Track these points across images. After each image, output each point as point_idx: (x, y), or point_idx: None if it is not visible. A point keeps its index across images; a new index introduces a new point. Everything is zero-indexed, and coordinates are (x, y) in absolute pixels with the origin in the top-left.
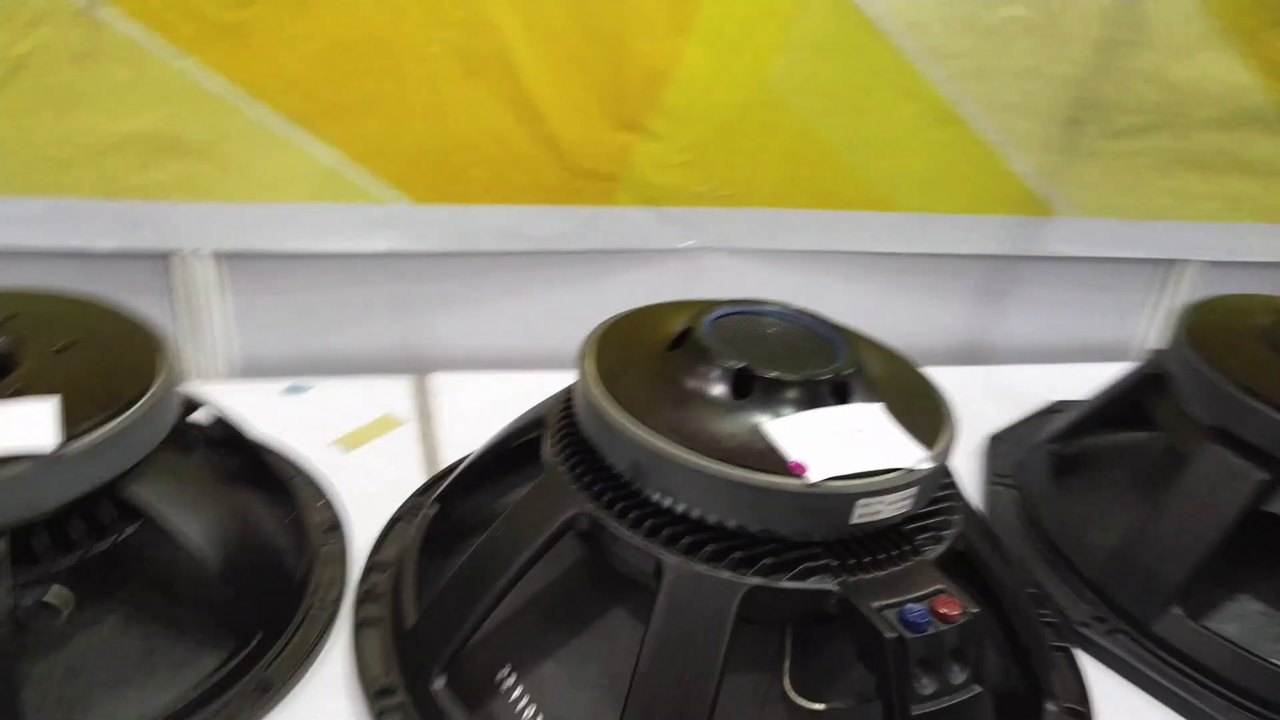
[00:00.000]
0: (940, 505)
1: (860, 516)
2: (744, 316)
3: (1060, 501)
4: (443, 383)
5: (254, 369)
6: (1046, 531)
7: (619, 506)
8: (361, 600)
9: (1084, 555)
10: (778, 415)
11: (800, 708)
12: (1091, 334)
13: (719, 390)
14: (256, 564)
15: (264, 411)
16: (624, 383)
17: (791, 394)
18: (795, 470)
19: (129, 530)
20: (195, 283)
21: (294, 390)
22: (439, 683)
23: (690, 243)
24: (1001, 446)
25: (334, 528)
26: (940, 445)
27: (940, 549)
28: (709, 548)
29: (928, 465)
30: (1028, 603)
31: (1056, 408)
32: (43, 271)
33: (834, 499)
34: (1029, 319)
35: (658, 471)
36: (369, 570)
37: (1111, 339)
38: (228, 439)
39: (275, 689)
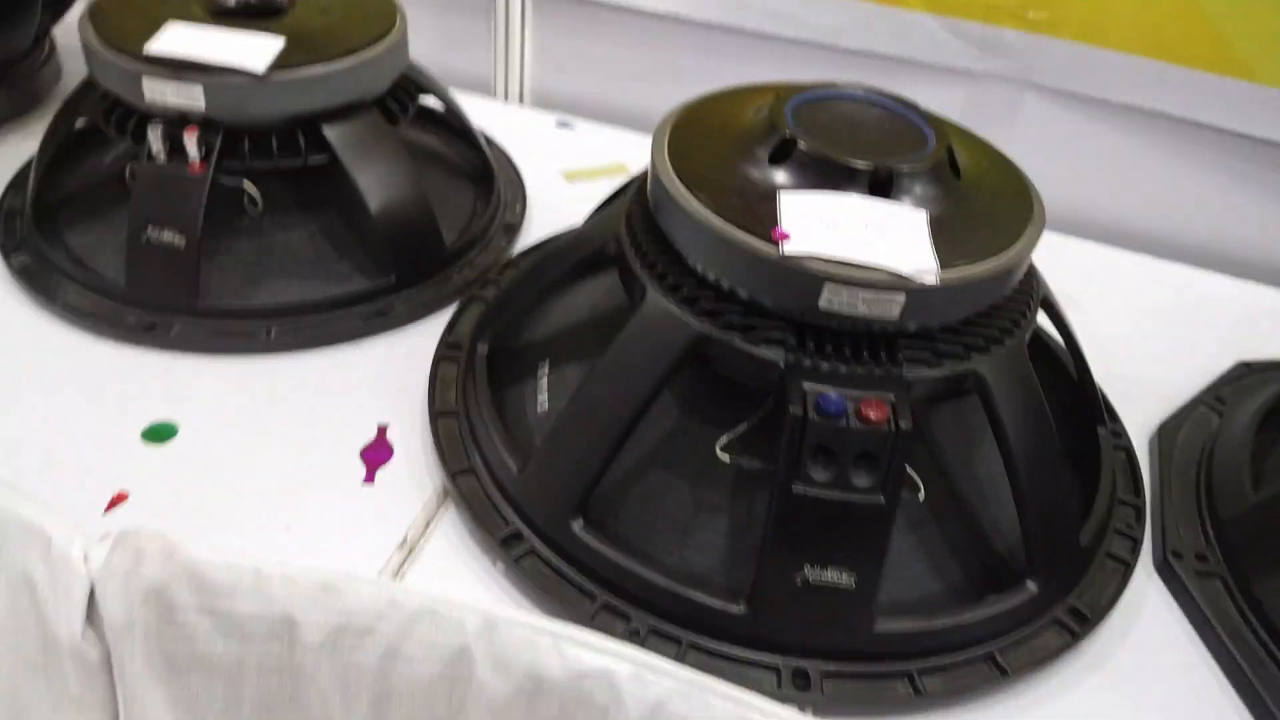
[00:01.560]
0: (959, 338)
1: (829, 303)
2: (854, 103)
3: (1245, 440)
4: None
5: (541, 102)
6: (1213, 463)
7: (638, 237)
8: (485, 284)
9: (1231, 498)
10: (802, 190)
11: (718, 459)
12: None
13: (759, 154)
14: (414, 226)
15: (527, 135)
16: (688, 133)
17: (824, 173)
18: (775, 237)
19: (316, 159)
20: (511, 13)
21: (561, 125)
22: (482, 349)
23: (979, 64)
24: (1248, 376)
25: (513, 229)
26: (965, 272)
27: (927, 373)
28: (684, 290)
29: (928, 279)
30: (1064, 485)
31: None
32: None
33: (800, 275)
34: None
35: (664, 208)
36: (506, 266)
37: None
38: (459, 131)
39: (392, 316)
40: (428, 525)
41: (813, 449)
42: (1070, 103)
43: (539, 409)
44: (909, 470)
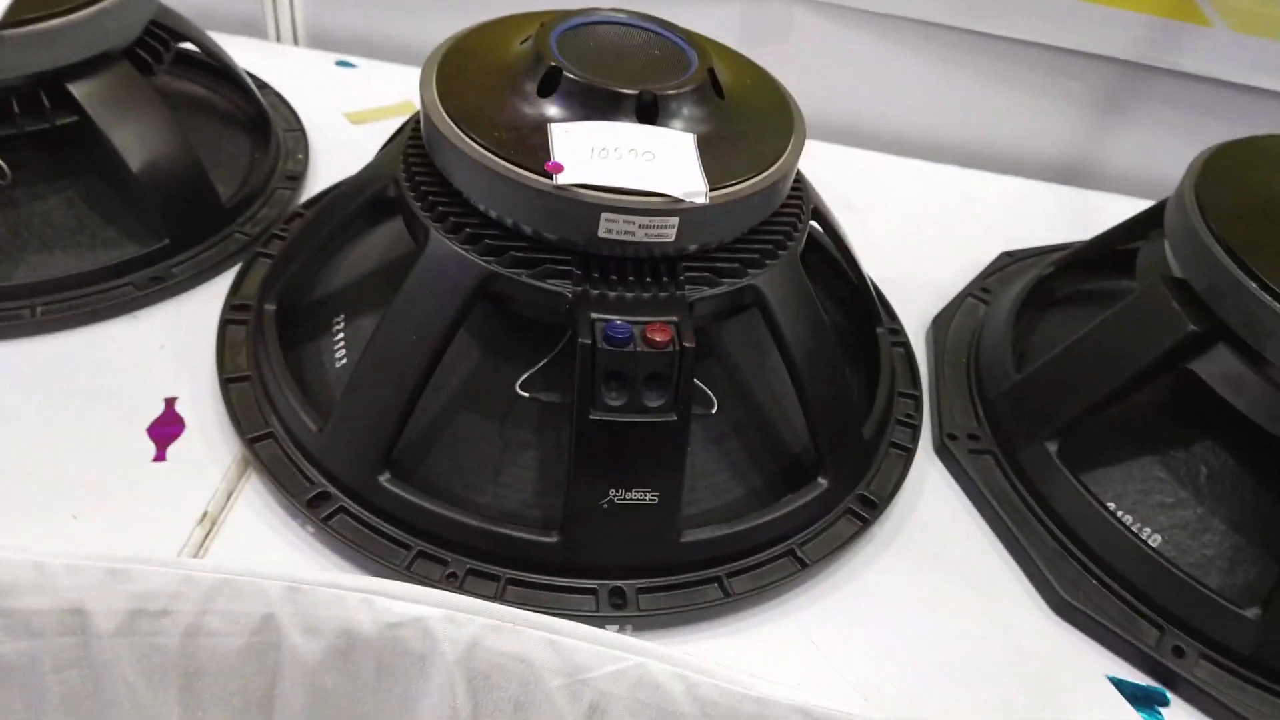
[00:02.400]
0: (735, 255)
1: (608, 231)
2: (618, 28)
3: (1006, 326)
4: None
5: (318, 41)
6: (980, 349)
7: (416, 179)
8: (270, 239)
9: (996, 380)
10: (571, 120)
11: (518, 395)
12: None
13: (527, 86)
14: (184, 182)
15: (305, 77)
16: (457, 67)
17: (592, 102)
18: (549, 170)
19: (64, 120)
20: None
21: (342, 64)
22: (269, 308)
23: None
24: (1010, 265)
25: (296, 178)
26: (734, 190)
27: (708, 292)
28: (467, 230)
29: (698, 200)
30: (845, 386)
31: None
32: None
33: (577, 206)
34: (1149, 144)
35: (438, 148)
36: (292, 218)
37: None
38: (224, 76)
39: (170, 282)
40: (230, 497)
41: (605, 375)
42: (837, 14)
43: (337, 364)
44: (701, 386)
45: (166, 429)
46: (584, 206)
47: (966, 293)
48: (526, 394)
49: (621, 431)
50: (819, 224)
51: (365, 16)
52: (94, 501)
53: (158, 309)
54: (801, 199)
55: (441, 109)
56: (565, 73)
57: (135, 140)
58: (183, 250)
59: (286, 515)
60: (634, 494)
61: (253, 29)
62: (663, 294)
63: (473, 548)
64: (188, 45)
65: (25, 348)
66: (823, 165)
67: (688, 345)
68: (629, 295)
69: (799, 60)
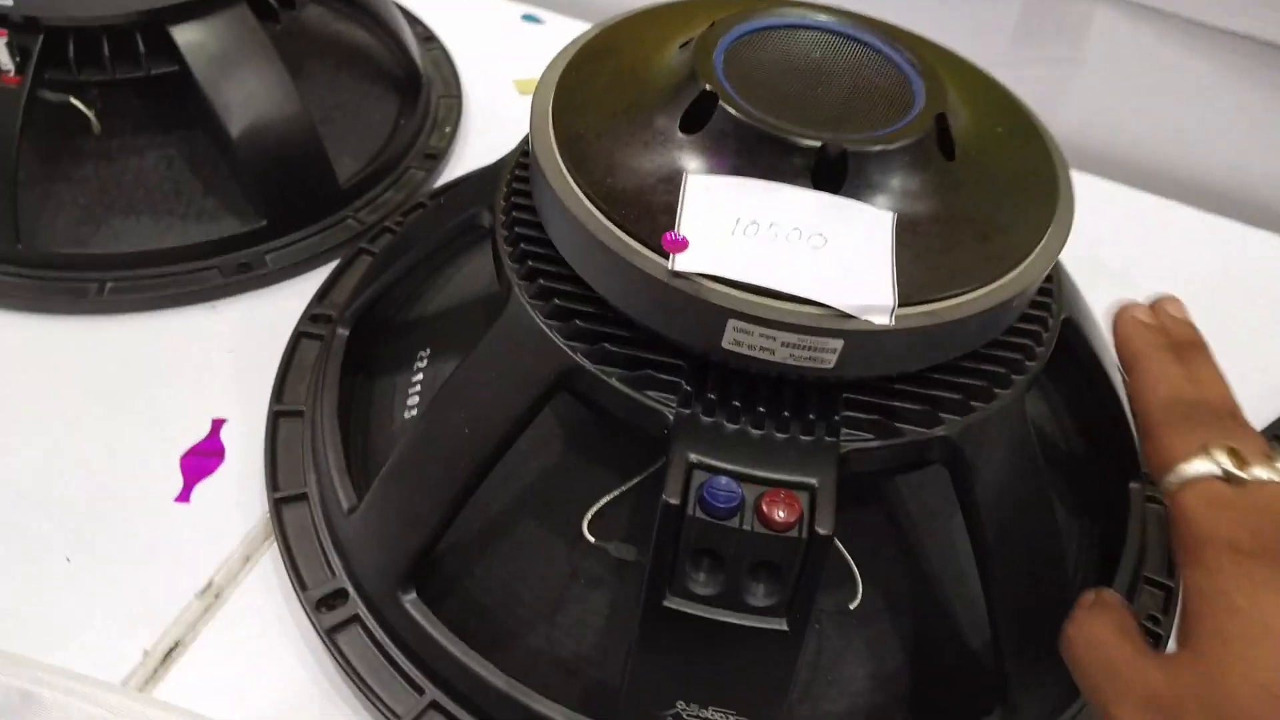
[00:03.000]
0: (926, 389)
1: (737, 344)
2: (820, 36)
3: None
4: None
5: None
6: None
7: (513, 213)
8: (383, 230)
9: None
10: (717, 173)
11: (598, 513)
12: None
13: (666, 116)
14: (293, 155)
15: (483, 29)
16: (591, 72)
17: (752, 149)
18: (667, 246)
19: (163, 69)
20: None
21: (528, 19)
22: (343, 331)
23: None
24: None
25: (435, 157)
26: (937, 309)
27: (872, 444)
28: (556, 300)
29: (877, 320)
30: (1060, 586)
31: None
32: None
33: (696, 303)
34: None
35: (536, 183)
36: (415, 207)
37: None
38: (386, 31)
39: (256, 273)
40: (246, 563)
41: (693, 550)
42: (1155, 21)
43: (406, 413)
44: (844, 554)
45: (202, 460)
46: (704, 307)
47: (1271, 432)
48: (593, 539)
49: (706, 631)
50: (1070, 337)
51: None
52: (97, 543)
53: (238, 301)
54: (1049, 312)
55: (550, 129)
56: (722, 103)
57: (240, 101)
58: (281, 234)
59: (299, 607)
60: (712, 715)
61: None
62: (804, 438)
63: (497, 717)
64: None
65: (80, 327)
66: (1086, 206)
67: (822, 531)
68: (754, 432)
69: (1087, 71)
